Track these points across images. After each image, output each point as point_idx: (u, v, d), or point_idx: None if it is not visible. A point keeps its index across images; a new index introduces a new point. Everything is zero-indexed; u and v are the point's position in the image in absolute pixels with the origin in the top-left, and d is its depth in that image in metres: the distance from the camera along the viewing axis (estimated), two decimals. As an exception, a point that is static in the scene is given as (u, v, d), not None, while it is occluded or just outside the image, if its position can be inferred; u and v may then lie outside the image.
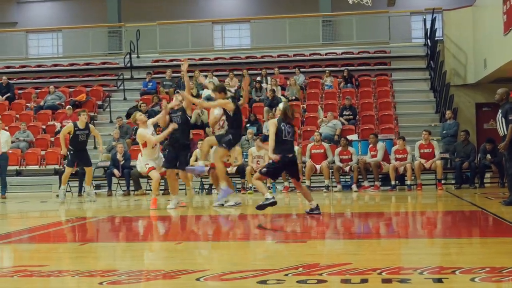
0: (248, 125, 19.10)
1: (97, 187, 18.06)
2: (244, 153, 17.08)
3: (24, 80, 25.68)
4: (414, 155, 16.65)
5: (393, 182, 16.36)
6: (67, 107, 21.38)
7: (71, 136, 14.79)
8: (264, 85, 22.03)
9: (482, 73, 21.27)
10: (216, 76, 23.02)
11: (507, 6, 17.62)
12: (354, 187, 16.50)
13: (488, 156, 16.57)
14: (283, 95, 21.49)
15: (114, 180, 17.72)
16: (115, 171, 17.38)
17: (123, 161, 17.45)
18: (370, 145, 16.87)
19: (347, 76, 22.50)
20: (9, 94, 23.33)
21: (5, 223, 11.41)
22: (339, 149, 16.99)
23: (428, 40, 23.83)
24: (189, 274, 5.48)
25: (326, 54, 25.11)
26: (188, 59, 24.73)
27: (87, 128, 14.91)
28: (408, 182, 16.37)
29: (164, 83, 22.83)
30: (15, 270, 6.00)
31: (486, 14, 20.94)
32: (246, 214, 11.38)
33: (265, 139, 17.92)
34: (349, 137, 18.08)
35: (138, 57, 25.51)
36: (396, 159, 16.47)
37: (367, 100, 21.55)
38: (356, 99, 21.70)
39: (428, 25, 23.86)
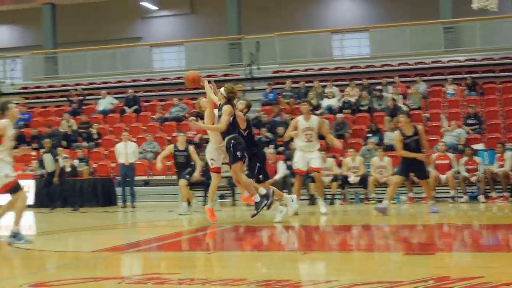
0: (370, 135, 18.93)
1: (221, 196, 18.36)
2: (366, 163, 16.94)
3: (149, 93, 26.49)
4: (544, 164, 15.97)
5: (523, 193, 15.77)
6: (191, 118, 21.87)
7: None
8: (384, 94, 21.79)
9: None
10: (336, 86, 22.97)
11: None
12: (481, 198, 16.02)
13: None
14: (404, 104, 21.16)
15: (238, 190, 17.92)
16: (238, 181, 17.59)
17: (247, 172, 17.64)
18: (498, 155, 16.35)
19: (471, 83, 21.90)
20: (136, 106, 24.14)
21: (135, 231, 11.84)
22: (465, 158, 16.54)
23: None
24: (317, 284, 5.49)
25: (448, 61, 24.52)
26: (308, 69, 25.24)
27: (187, 149, 15.13)
28: (539, 193, 15.73)
29: (284, 93, 22.99)
30: (148, 277, 6.20)
31: None
32: (370, 225, 11.29)
33: (387, 149, 17.77)
34: (474, 146, 17.58)
35: (258, 68, 25.82)
36: (526, 169, 15.87)
37: (492, 108, 20.89)
38: (481, 107, 21.08)
39: (558, 29, 22.90)
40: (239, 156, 10.46)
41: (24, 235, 9.06)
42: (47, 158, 17.87)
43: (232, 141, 10.51)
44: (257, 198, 10.57)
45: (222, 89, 10.58)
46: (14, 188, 9.01)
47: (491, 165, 16.52)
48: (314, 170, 13.33)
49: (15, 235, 8.95)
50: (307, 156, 13.01)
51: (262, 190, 10.70)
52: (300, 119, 13.10)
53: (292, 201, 12.38)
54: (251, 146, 11.18)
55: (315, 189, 14.28)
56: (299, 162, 13.11)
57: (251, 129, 11.34)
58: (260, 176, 11.29)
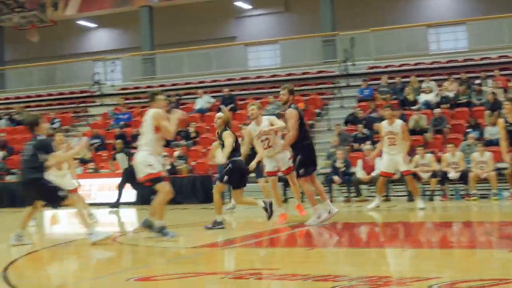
0: (469, 130, 18.50)
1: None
2: (466, 159, 16.56)
3: (245, 91, 26.70)
4: None
5: None
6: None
7: None
8: (484, 88, 21.23)
9: None
10: (434, 80, 22.52)
11: None
12: None
13: None
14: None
15: (336, 186, 17.89)
16: (335, 178, 17.54)
17: (344, 168, 17.58)
18: None
19: None
20: (232, 105, 24.38)
21: (233, 228, 11.98)
22: None
23: None
24: (420, 281, 5.44)
25: (551, 52, 23.69)
26: (403, 64, 24.88)
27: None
28: None
29: (380, 89, 22.74)
30: (249, 272, 6.29)
31: None
32: (471, 221, 11.06)
33: (487, 144, 17.32)
34: None
35: (353, 64, 25.62)
36: None
37: None
38: None
39: None
40: (223, 180, 10.58)
41: (169, 230, 9.20)
42: (121, 157, 18.23)
43: (230, 164, 10.57)
44: (219, 218, 10.59)
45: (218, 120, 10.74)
46: (155, 180, 9.18)
47: None
48: (404, 174, 13.67)
49: (161, 230, 9.12)
50: (393, 158, 13.32)
51: (219, 217, 10.63)
52: (384, 123, 13.45)
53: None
54: (300, 139, 10.80)
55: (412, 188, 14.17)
56: (384, 164, 13.62)
57: (302, 120, 10.83)
58: (301, 171, 10.72)
